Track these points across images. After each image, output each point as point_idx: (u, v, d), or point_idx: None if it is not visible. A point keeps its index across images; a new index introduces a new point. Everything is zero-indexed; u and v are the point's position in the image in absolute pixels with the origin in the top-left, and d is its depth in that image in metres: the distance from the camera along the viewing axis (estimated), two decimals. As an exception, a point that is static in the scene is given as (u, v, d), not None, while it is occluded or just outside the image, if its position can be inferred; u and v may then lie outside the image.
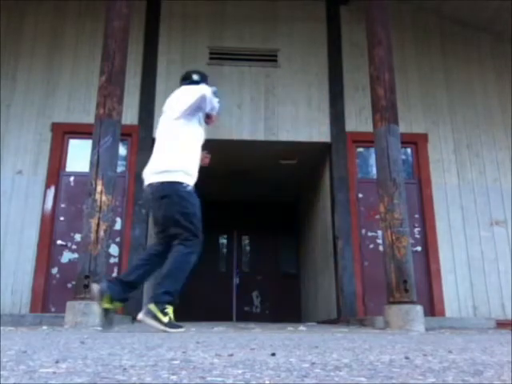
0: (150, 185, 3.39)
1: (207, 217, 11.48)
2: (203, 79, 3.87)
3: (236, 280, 10.08)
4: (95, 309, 3.92)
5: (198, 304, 9.67)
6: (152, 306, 3.12)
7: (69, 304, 4.00)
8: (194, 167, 3.43)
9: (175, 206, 3.26)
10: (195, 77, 3.89)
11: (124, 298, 3.39)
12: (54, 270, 5.87)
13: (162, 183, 3.32)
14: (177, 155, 3.37)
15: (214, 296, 9.82)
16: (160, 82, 6.67)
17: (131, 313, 5.65)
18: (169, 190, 3.29)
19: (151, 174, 3.40)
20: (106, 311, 3.51)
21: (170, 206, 3.28)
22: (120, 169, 5.82)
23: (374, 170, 5.81)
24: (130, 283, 3.33)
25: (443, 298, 6.08)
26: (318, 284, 7.71)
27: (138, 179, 6.25)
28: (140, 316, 3.18)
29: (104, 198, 4.26)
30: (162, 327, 3.06)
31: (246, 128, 6.60)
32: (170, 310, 3.14)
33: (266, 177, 8.70)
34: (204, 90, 3.47)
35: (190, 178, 3.37)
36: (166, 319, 3.09)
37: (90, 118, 5.33)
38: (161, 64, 6.76)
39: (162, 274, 3.24)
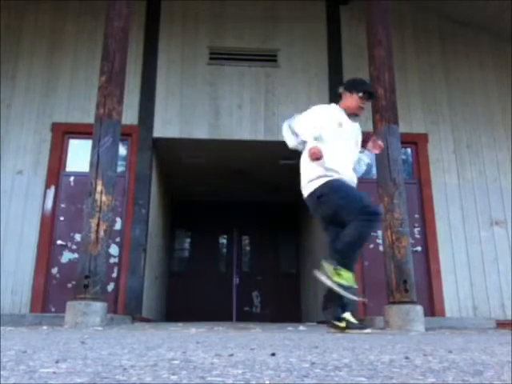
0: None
1: (207, 217, 11.47)
2: (348, 87, 3.73)
3: (236, 280, 10.08)
4: (95, 309, 3.92)
5: (198, 304, 9.67)
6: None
7: (69, 304, 4.00)
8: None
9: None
10: (339, 89, 3.79)
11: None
12: (54, 270, 5.87)
13: None
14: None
15: (214, 296, 9.82)
16: (160, 82, 6.67)
17: (131, 313, 5.65)
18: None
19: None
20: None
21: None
22: (120, 169, 5.82)
23: (374, 170, 5.81)
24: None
25: (443, 298, 6.08)
26: (318, 284, 7.70)
27: (138, 179, 6.27)
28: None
29: (104, 198, 4.26)
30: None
31: (246, 128, 6.59)
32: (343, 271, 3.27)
33: (266, 177, 8.70)
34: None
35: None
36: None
37: (90, 118, 5.33)
38: (161, 64, 6.76)
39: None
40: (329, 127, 3.54)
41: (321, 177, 3.46)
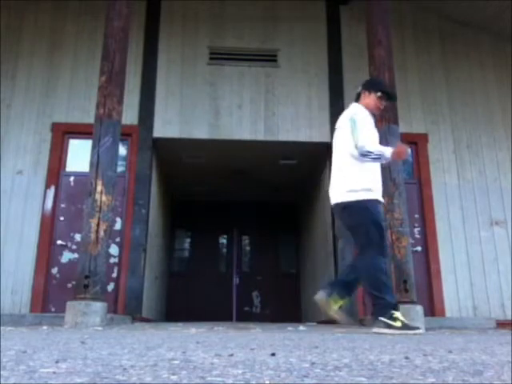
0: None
1: (207, 217, 11.47)
2: (366, 86, 3.68)
3: (236, 280, 10.08)
4: (95, 309, 3.92)
5: (198, 304, 9.67)
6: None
7: (69, 304, 4.00)
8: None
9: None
10: (358, 89, 3.72)
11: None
12: (54, 270, 5.87)
13: None
14: None
15: (214, 296, 9.82)
16: (160, 82, 6.67)
17: (131, 313, 5.65)
18: None
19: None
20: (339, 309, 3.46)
21: None
22: (120, 169, 5.82)
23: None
24: None
25: (443, 298, 6.08)
26: (318, 284, 7.71)
27: (138, 179, 6.27)
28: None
29: (104, 198, 4.26)
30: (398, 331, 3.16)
31: (246, 128, 6.59)
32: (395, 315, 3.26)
33: (266, 177, 8.70)
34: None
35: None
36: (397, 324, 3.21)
37: (90, 118, 5.33)
38: (161, 64, 6.76)
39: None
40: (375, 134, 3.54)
41: (365, 190, 3.38)
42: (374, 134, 3.50)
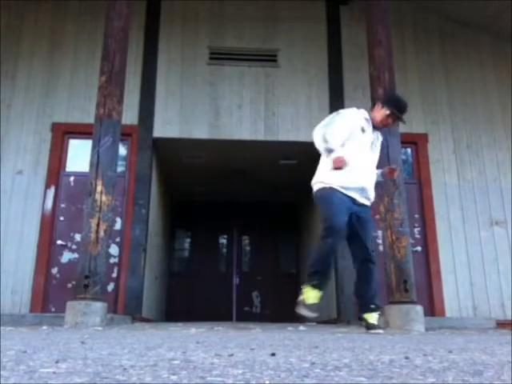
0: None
1: (207, 217, 11.45)
2: (383, 99, 3.81)
3: (236, 280, 10.08)
4: (95, 309, 3.92)
5: (198, 304, 9.67)
6: None
7: (69, 304, 4.00)
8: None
9: None
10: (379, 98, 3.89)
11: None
12: (54, 270, 5.87)
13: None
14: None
15: (214, 296, 9.82)
16: (160, 82, 6.66)
17: (131, 313, 5.65)
18: None
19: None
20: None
21: None
22: (120, 169, 5.82)
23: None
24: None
25: (443, 298, 6.08)
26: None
27: (138, 179, 6.27)
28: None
29: (104, 198, 4.26)
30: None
31: (246, 128, 6.59)
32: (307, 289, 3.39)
33: (266, 177, 8.70)
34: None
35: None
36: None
37: (90, 118, 5.33)
38: (161, 64, 6.76)
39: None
40: (356, 135, 3.55)
41: (322, 182, 3.57)
42: (342, 129, 3.54)
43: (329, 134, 3.50)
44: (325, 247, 3.43)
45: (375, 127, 3.66)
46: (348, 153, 3.48)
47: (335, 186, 3.49)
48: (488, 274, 6.23)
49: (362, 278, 3.55)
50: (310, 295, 3.35)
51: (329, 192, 3.51)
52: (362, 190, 3.55)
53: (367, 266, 3.53)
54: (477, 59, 7.17)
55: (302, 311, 3.37)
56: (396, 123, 3.86)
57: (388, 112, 3.61)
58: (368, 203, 3.65)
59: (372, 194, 3.66)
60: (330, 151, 3.49)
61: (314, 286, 3.38)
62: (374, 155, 3.69)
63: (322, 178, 3.59)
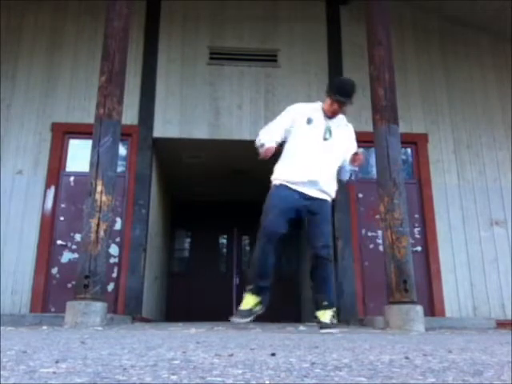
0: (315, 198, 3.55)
1: (207, 217, 11.43)
2: (327, 88, 3.70)
3: (236, 280, 10.08)
4: (95, 309, 3.92)
5: (198, 304, 9.67)
6: None
7: (69, 304, 4.00)
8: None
9: None
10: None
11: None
12: (54, 270, 5.87)
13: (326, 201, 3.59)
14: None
15: (214, 296, 9.81)
16: (160, 82, 6.67)
17: (131, 313, 5.65)
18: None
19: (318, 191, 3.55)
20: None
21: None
22: (120, 169, 5.82)
23: (374, 170, 5.81)
24: None
25: (443, 298, 6.08)
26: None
27: (138, 179, 6.27)
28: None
29: (104, 197, 4.26)
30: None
31: (246, 128, 6.59)
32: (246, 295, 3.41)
33: (266, 177, 8.68)
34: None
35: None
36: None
37: (90, 118, 5.32)
38: (161, 64, 6.76)
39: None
40: (299, 128, 3.56)
41: (274, 179, 3.69)
42: (278, 128, 3.65)
43: (261, 131, 3.67)
44: (257, 249, 3.46)
45: (330, 117, 3.61)
46: (291, 146, 3.52)
47: (283, 181, 3.52)
48: (488, 274, 6.23)
49: (314, 273, 3.47)
50: (246, 301, 3.36)
51: (273, 190, 3.58)
52: (313, 183, 3.48)
53: (319, 262, 3.43)
54: (477, 59, 7.17)
55: (232, 319, 3.35)
56: (344, 107, 3.62)
57: (329, 100, 3.57)
58: (323, 197, 3.54)
59: (329, 187, 3.55)
60: (261, 146, 3.60)
61: (252, 292, 3.37)
62: (333, 146, 3.55)
63: (274, 174, 3.68)
